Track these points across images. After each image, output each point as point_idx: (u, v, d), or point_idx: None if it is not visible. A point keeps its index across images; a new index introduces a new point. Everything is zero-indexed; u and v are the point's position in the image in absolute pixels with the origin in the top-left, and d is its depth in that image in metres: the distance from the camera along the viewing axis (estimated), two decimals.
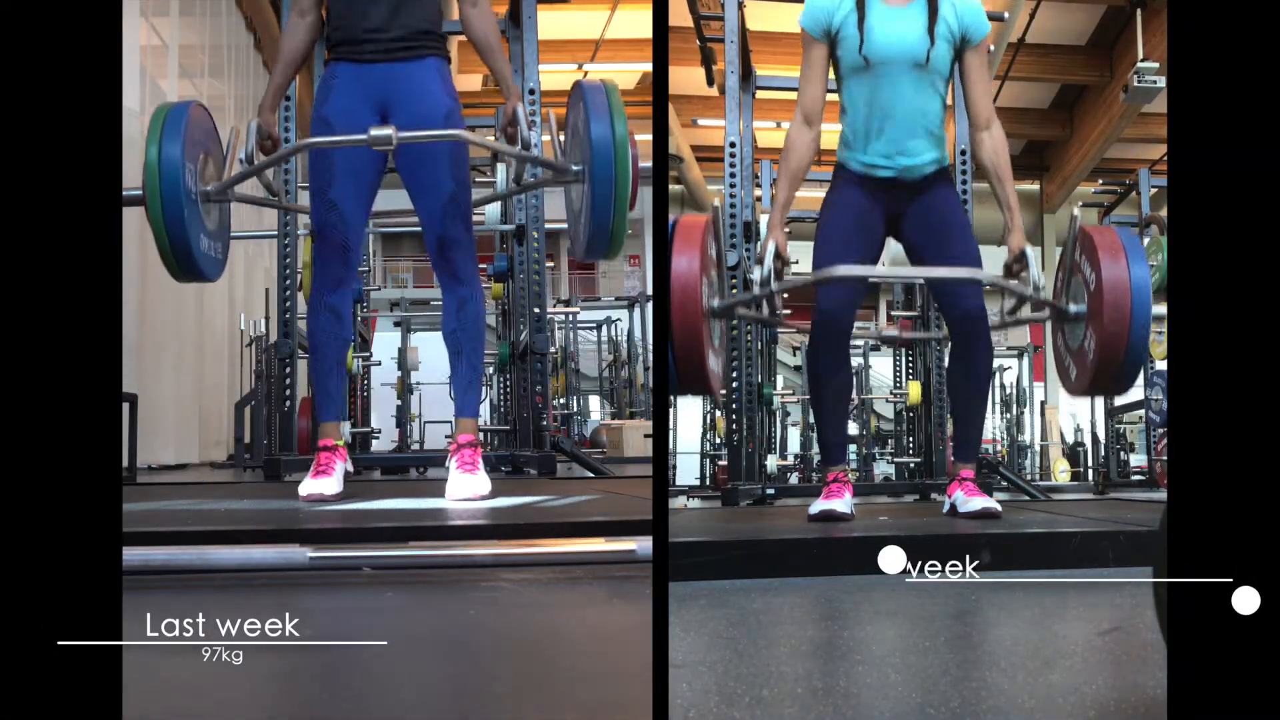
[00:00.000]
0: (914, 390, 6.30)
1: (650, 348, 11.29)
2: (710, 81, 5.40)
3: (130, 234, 5.84)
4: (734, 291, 4.33)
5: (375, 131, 2.50)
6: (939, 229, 2.60)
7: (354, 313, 6.29)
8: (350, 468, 2.78)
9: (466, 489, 2.56)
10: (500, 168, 2.79)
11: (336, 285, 2.69)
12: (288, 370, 4.55)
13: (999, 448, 11.50)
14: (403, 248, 18.08)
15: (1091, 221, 9.13)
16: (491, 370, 7.83)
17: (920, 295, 5.89)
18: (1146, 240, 7.64)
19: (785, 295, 2.59)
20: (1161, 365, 7.40)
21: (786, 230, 2.63)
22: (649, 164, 2.49)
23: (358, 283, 5.88)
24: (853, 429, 7.95)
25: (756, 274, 2.52)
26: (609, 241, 2.52)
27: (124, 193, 2.41)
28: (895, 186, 2.59)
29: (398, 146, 2.61)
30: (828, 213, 2.63)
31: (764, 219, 4.99)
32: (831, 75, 2.65)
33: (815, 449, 9.34)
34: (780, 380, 11.53)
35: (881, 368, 10.25)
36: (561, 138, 2.73)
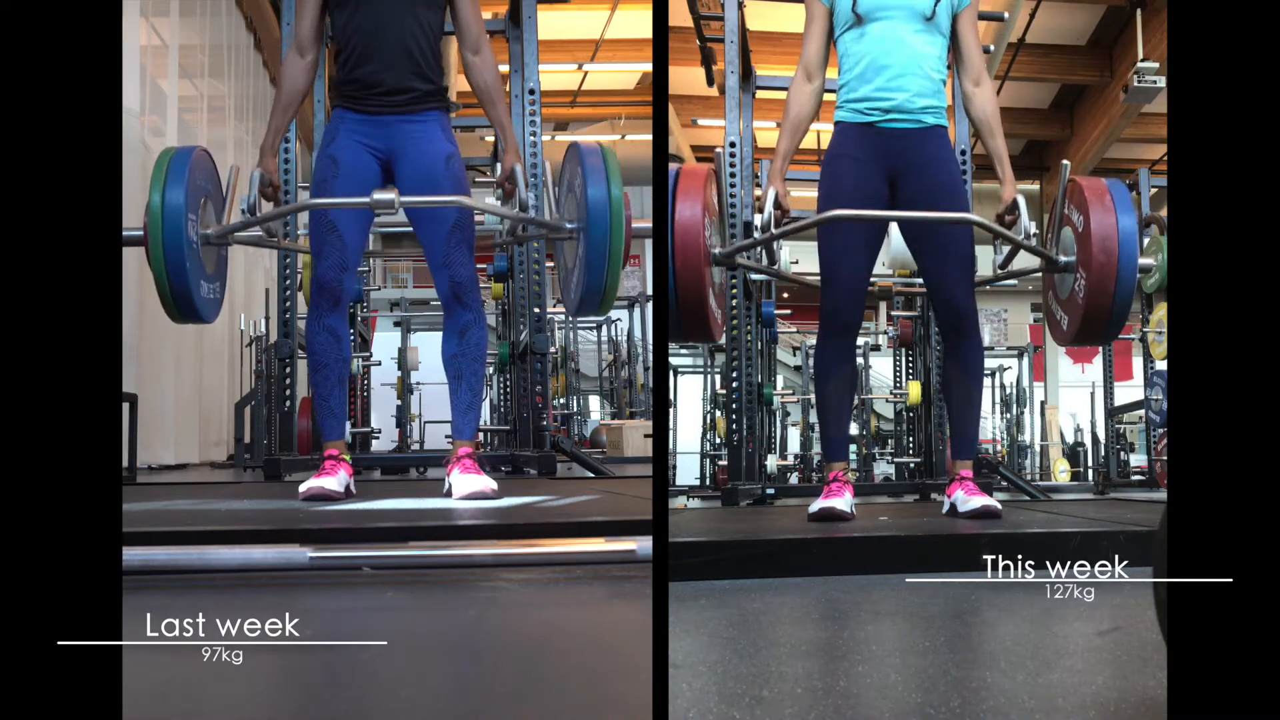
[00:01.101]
0: (914, 390, 6.30)
1: (650, 348, 11.29)
2: (710, 81, 5.40)
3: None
4: (734, 289, 4.33)
5: (378, 195, 2.57)
6: (938, 197, 2.58)
7: (355, 312, 6.29)
8: (353, 488, 2.78)
9: (472, 485, 2.57)
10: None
11: (334, 306, 2.70)
12: (288, 370, 4.55)
13: (999, 448, 11.49)
14: (402, 248, 18.06)
15: None
16: (491, 370, 7.83)
17: (920, 295, 5.90)
18: (1146, 240, 7.64)
19: (785, 246, 2.62)
20: (1161, 365, 7.40)
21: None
22: (644, 224, 2.55)
23: (358, 284, 5.90)
24: (853, 429, 7.94)
25: (757, 220, 2.56)
26: (601, 300, 2.59)
27: (123, 232, 2.44)
28: (893, 136, 2.58)
29: (401, 183, 2.71)
30: (829, 193, 2.60)
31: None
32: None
33: (815, 449, 9.35)
34: (780, 380, 11.53)
35: (881, 368, 10.25)
36: (555, 188, 2.80)
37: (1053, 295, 2.71)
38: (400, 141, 2.73)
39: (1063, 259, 2.57)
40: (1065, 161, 2.65)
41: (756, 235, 2.54)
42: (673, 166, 2.43)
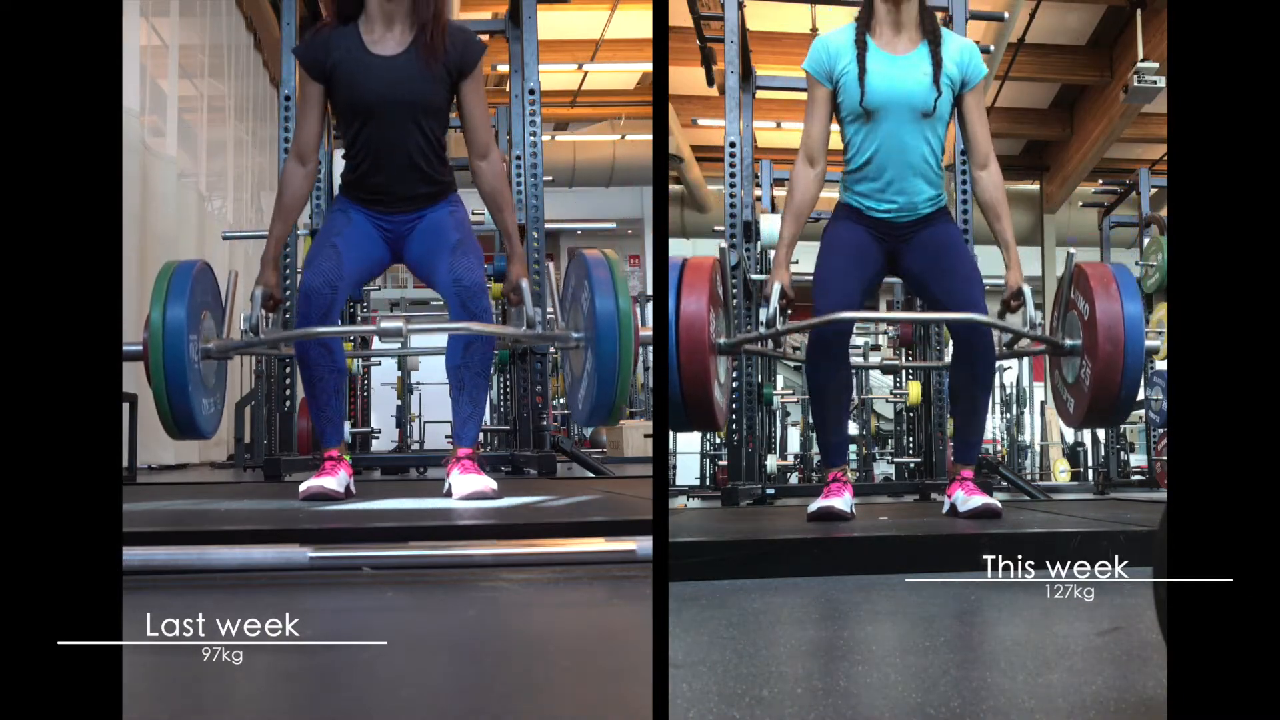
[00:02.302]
0: (914, 390, 6.31)
1: (650, 348, 11.28)
2: (710, 81, 5.40)
3: (129, 233, 5.84)
4: (734, 289, 4.33)
5: (385, 324, 2.59)
6: (938, 256, 2.64)
7: (355, 312, 6.29)
8: (353, 488, 2.78)
9: (473, 485, 2.57)
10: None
11: (323, 318, 2.66)
12: (287, 370, 4.54)
13: (999, 448, 11.48)
14: None
15: (1088, 222, 9.11)
16: (492, 370, 7.82)
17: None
18: (1146, 240, 7.64)
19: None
20: (1161, 365, 7.39)
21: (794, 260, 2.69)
22: (648, 333, 2.56)
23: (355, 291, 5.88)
24: (853, 429, 7.94)
25: (763, 314, 2.58)
26: (610, 411, 2.59)
27: (124, 348, 2.43)
28: (894, 225, 2.64)
29: (410, 258, 2.75)
30: (827, 245, 2.67)
31: (764, 218, 5.00)
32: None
33: (815, 449, 9.33)
34: (780, 380, 11.52)
35: None
36: (557, 289, 2.81)
37: (1059, 376, 2.74)
38: (408, 230, 2.77)
39: (1068, 343, 2.61)
40: (1071, 250, 2.68)
41: (762, 329, 2.57)
42: (676, 259, 2.44)
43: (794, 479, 9.19)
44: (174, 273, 2.53)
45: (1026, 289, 2.60)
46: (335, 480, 2.65)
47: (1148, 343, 2.53)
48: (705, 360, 2.31)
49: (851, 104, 2.56)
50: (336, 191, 2.88)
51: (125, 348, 2.41)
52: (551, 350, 3.87)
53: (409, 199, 2.74)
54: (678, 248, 15.50)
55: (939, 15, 2.49)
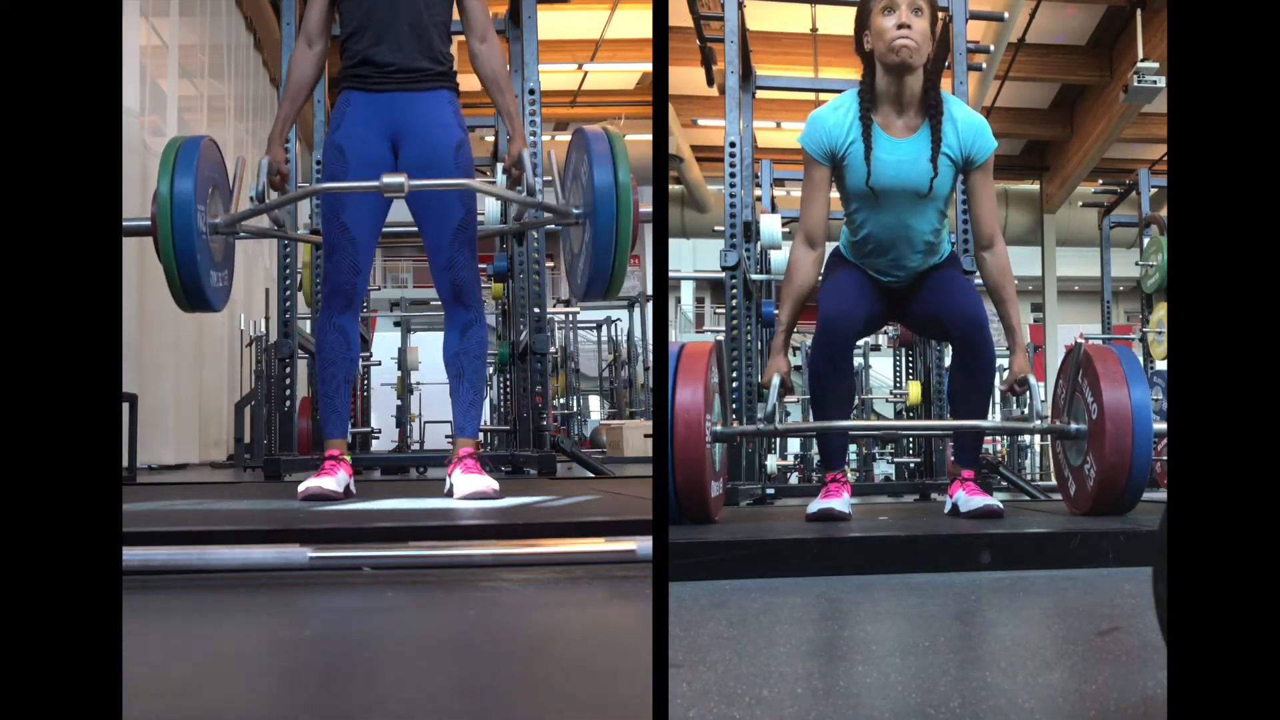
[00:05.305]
0: (914, 390, 6.31)
1: (650, 348, 11.27)
2: (710, 81, 5.40)
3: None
4: (734, 289, 4.33)
5: (387, 179, 2.55)
6: (937, 286, 2.63)
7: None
8: (353, 488, 2.79)
9: (474, 485, 2.57)
10: (500, 177, 2.86)
11: (345, 307, 2.72)
12: (288, 370, 4.55)
13: (999, 448, 11.49)
14: (403, 248, 18.08)
15: (1088, 222, 9.11)
16: (491, 370, 7.84)
17: None
18: (1146, 240, 7.64)
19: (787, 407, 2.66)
20: (1161, 365, 7.40)
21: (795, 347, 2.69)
22: (649, 209, 2.54)
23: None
24: None
25: (760, 411, 2.57)
26: (607, 285, 2.57)
27: (128, 223, 2.44)
28: (895, 289, 2.67)
29: (407, 165, 2.70)
30: (828, 287, 2.65)
31: (764, 218, 4.99)
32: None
33: (815, 449, 9.34)
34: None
35: (881, 368, 10.24)
36: (558, 170, 2.78)
37: (1062, 452, 2.72)
38: (409, 119, 2.73)
39: (1074, 427, 2.59)
40: (1080, 341, 2.66)
41: (761, 425, 2.55)
42: (674, 345, 2.42)
43: (794, 479, 9.20)
44: (180, 147, 2.55)
45: (1033, 380, 2.57)
46: (334, 480, 2.65)
47: (1156, 425, 2.49)
48: (700, 454, 2.30)
49: (857, 184, 2.50)
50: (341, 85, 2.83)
51: (133, 223, 2.43)
52: (552, 349, 3.87)
53: (411, 71, 2.73)
54: (678, 247, 15.52)
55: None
